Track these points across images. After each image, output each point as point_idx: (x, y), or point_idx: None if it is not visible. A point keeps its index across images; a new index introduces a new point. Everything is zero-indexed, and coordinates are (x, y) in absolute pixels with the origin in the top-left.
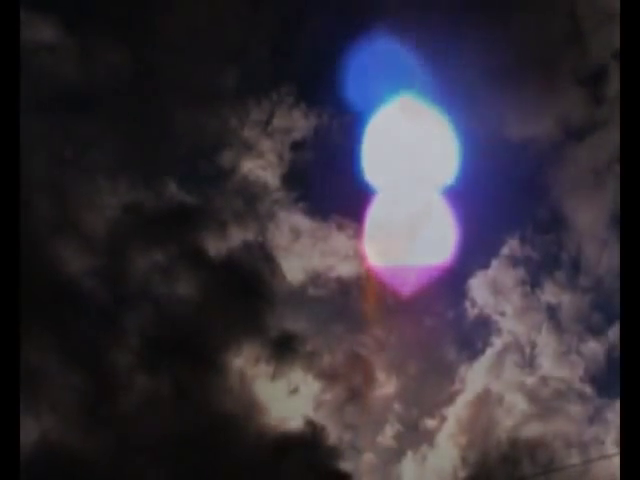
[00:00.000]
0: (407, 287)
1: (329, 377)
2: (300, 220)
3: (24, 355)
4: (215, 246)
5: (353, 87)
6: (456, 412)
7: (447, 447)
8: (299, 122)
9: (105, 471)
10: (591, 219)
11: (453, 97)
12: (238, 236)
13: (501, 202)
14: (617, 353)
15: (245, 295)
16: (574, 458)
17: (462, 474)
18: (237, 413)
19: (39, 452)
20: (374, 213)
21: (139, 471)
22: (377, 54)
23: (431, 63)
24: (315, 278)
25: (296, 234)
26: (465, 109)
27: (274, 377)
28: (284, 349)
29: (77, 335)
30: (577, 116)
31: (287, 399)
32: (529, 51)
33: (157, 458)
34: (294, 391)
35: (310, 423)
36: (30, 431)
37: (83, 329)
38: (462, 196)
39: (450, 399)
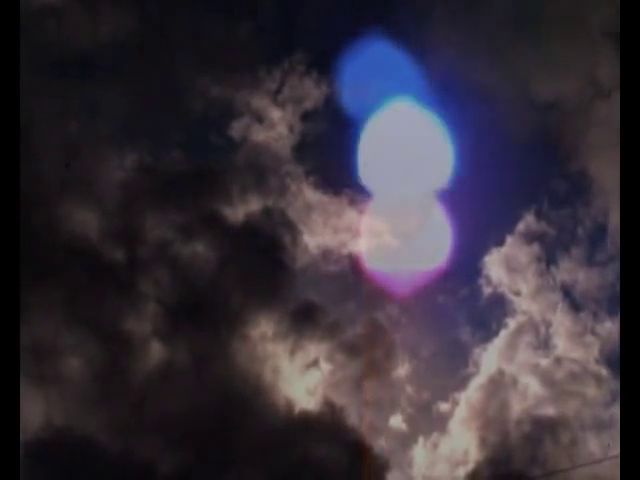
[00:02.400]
0: (420, 265)
1: (338, 356)
2: (311, 195)
3: (31, 324)
4: (227, 217)
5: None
6: (469, 395)
7: (460, 431)
8: (310, 91)
9: (118, 448)
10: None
11: (478, 52)
12: (245, 209)
13: (518, 173)
14: None
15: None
16: (590, 441)
17: (476, 457)
18: (256, 384)
19: (46, 428)
20: (386, 189)
21: (154, 443)
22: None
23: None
24: (327, 254)
25: (307, 209)
26: (490, 65)
27: (292, 351)
28: (303, 322)
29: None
30: (606, 72)
31: (303, 372)
32: (557, 4)
33: (172, 431)
34: (312, 364)
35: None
36: (37, 405)
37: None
38: (478, 168)
39: (463, 382)
